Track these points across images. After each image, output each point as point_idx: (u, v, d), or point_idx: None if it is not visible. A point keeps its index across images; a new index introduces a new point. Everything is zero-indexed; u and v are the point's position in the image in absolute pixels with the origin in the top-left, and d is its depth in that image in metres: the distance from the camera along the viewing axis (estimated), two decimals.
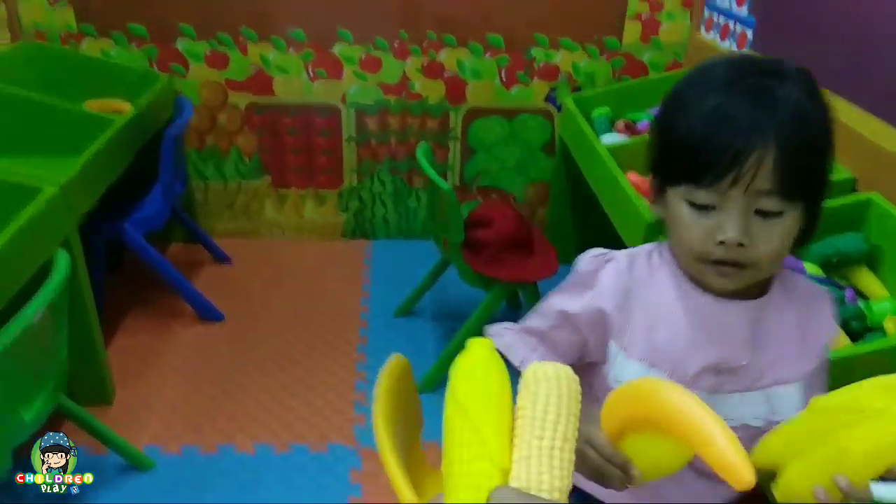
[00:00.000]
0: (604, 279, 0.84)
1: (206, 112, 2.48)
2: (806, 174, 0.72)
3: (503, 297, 1.91)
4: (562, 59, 2.46)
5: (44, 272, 1.40)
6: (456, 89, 2.50)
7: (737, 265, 0.74)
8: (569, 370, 0.50)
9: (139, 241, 2.10)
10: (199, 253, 2.60)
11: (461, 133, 2.58)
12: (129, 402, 1.92)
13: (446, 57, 2.45)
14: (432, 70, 2.47)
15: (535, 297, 1.93)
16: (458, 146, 2.60)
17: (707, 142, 0.71)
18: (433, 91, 2.50)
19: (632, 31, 2.44)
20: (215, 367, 2.07)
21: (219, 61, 2.41)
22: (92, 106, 2.22)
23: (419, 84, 2.49)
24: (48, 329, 1.34)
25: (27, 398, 1.33)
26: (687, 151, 0.73)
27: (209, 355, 2.12)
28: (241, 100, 2.47)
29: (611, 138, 2.06)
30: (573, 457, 0.47)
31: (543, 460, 0.45)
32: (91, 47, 2.36)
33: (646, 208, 1.60)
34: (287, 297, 2.40)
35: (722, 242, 0.72)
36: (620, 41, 2.45)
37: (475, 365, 0.52)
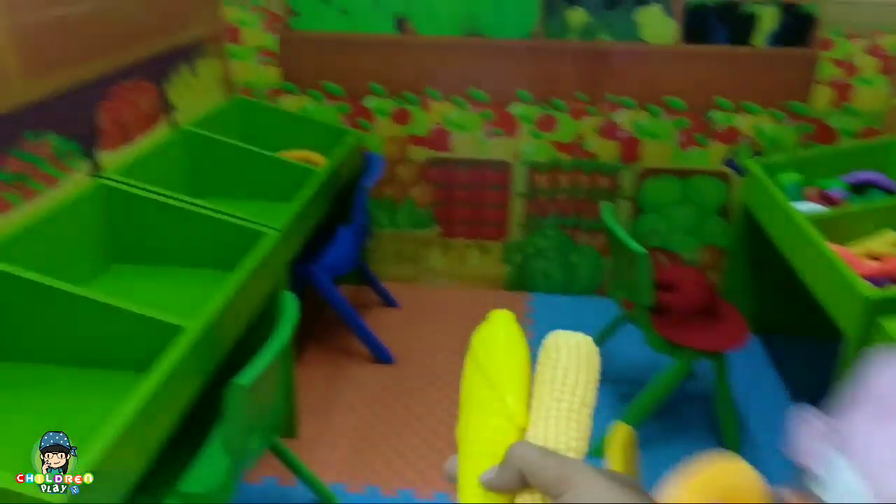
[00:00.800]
0: None
1: (387, 165, 2.63)
2: None
3: (689, 365, 1.86)
4: (744, 122, 2.42)
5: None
6: (630, 149, 2.51)
7: None
8: (589, 339, 0.49)
9: (327, 285, 2.24)
10: (368, 295, 2.73)
11: (633, 192, 2.58)
12: (312, 437, 2.02)
13: (622, 118, 2.47)
14: (607, 130, 2.49)
15: (724, 367, 1.87)
16: (629, 205, 2.60)
17: None
18: (607, 150, 2.53)
19: (822, 95, 2.36)
20: (388, 408, 2.15)
21: (403, 118, 2.56)
22: (287, 155, 2.42)
23: (593, 143, 2.52)
24: (277, 367, 1.45)
25: (255, 430, 1.44)
26: None
27: (381, 395, 2.21)
28: (419, 154, 2.61)
29: (806, 207, 1.99)
30: (591, 422, 0.46)
31: (561, 421, 0.45)
32: (291, 103, 2.58)
33: (865, 285, 1.52)
34: (453, 344, 2.46)
35: None
36: (808, 105, 2.38)
37: (497, 331, 0.52)
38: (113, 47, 1.81)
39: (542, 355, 0.48)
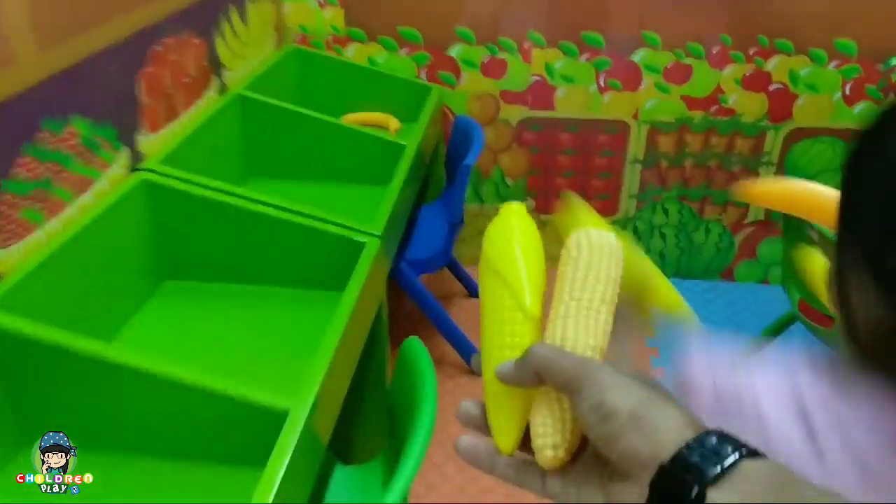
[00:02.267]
0: None
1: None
2: None
3: None
4: None
5: None
6: (780, 104, 2.03)
7: None
8: (611, 235, 0.46)
9: (413, 283, 1.83)
10: (449, 283, 2.31)
11: (778, 157, 2.10)
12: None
13: (776, 66, 1.97)
14: (754, 80, 2.00)
15: None
16: (772, 173, 2.13)
17: None
18: (750, 106, 2.04)
19: None
20: None
21: (495, 69, 2.08)
22: (353, 119, 1.97)
23: (734, 97, 2.03)
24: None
25: None
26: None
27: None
28: (514, 114, 2.14)
29: None
30: (611, 318, 0.44)
31: (580, 320, 0.43)
32: (357, 53, 2.10)
33: None
34: None
35: None
36: None
37: (508, 227, 0.49)
38: None
39: (564, 253, 0.46)
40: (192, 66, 1.52)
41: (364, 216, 1.39)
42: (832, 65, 1.95)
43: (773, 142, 2.08)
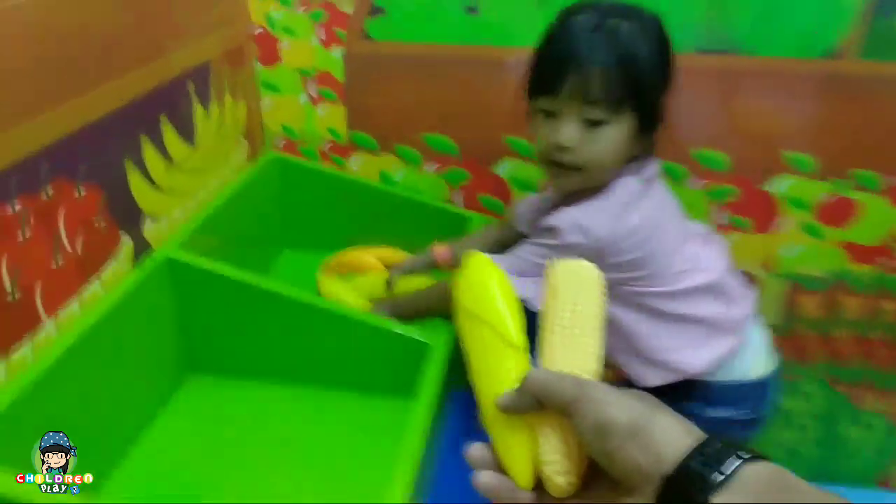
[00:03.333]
0: None
1: None
2: (628, 91, 0.86)
3: None
4: None
5: None
6: None
7: (567, 167, 0.90)
8: (586, 263, 0.50)
9: None
10: None
11: None
12: None
13: None
14: None
15: None
16: None
17: (553, 56, 0.90)
18: None
19: None
20: None
21: None
22: (358, 257, 1.37)
23: None
24: None
25: None
26: (541, 64, 0.93)
27: None
28: None
29: None
30: (601, 343, 0.47)
31: (569, 347, 0.46)
32: (365, 167, 1.48)
33: None
34: None
35: (557, 146, 0.88)
36: None
37: (480, 275, 0.52)
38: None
39: (543, 288, 0.49)
40: (86, 223, 0.89)
41: None
42: None
43: None
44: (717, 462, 0.34)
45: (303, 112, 1.45)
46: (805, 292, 1.45)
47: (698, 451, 0.35)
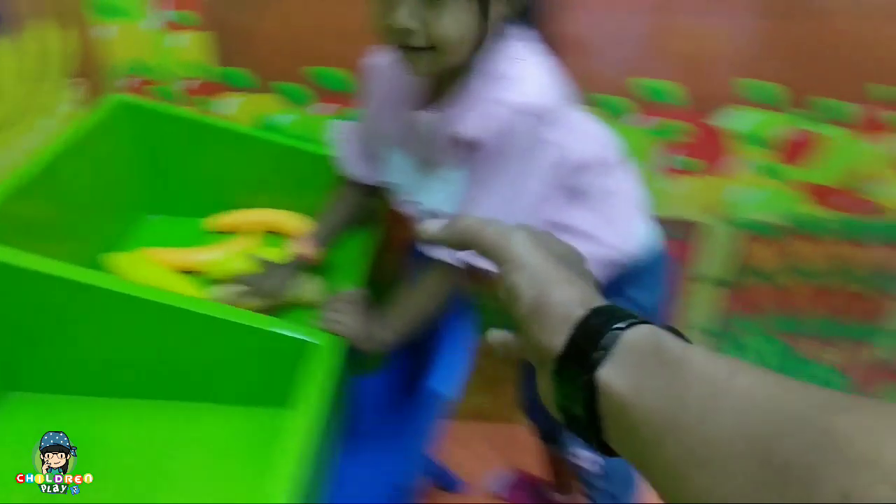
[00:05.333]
0: None
1: None
2: None
3: None
4: None
5: None
6: None
7: (417, 48, 0.77)
8: None
9: None
10: None
11: None
12: None
13: None
14: None
15: None
16: None
17: None
18: None
19: None
20: None
21: None
22: (232, 222, 1.12)
23: (886, 187, 1.21)
24: None
25: None
26: None
27: None
28: None
29: None
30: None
31: None
32: (238, 109, 1.20)
33: None
34: None
35: (396, 29, 0.75)
36: None
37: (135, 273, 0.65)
38: None
39: None
40: None
41: None
42: None
43: None
44: (598, 334, 0.32)
45: (155, 41, 1.15)
46: (759, 241, 1.28)
47: (582, 328, 0.33)
